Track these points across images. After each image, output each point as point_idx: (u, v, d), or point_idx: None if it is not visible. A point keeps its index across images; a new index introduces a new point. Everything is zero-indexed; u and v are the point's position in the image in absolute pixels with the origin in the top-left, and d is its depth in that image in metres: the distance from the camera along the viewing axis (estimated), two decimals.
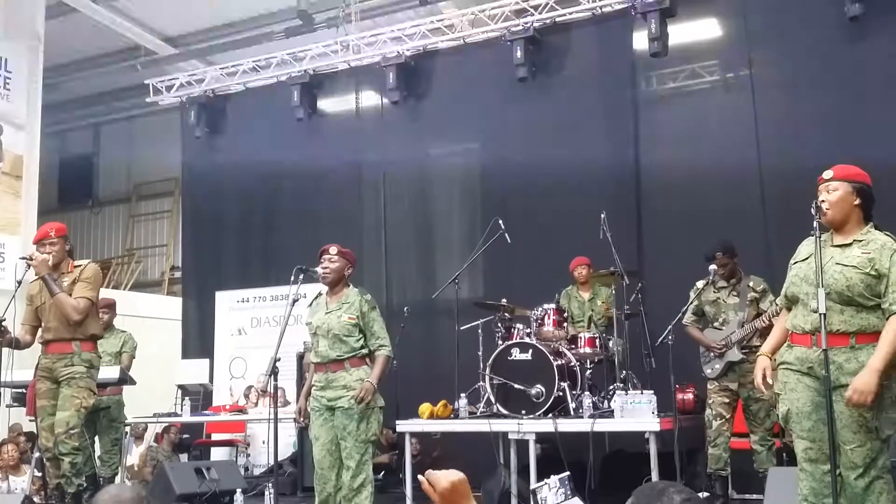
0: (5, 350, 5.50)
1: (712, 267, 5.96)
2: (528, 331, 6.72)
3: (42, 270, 5.42)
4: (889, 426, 3.45)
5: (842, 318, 3.49)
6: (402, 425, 6.68)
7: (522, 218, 8.07)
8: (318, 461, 5.03)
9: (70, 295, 5.46)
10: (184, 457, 9.35)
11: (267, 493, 5.82)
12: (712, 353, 6.00)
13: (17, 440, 8.64)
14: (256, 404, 8.84)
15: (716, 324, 6.07)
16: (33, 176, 11.16)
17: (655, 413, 5.77)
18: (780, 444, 5.98)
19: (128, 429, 7.73)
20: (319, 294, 5.24)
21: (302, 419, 5.22)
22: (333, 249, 5.18)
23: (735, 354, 5.92)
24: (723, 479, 5.92)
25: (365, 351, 5.09)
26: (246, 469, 8.95)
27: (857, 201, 3.63)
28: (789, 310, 3.78)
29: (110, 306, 7.50)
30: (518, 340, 6.61)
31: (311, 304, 5.27)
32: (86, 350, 5.52)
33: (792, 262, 3.77)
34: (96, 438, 7.19)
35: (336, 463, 5.00)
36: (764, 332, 5.82)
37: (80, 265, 5.64)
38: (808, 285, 3.55)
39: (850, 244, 3.60)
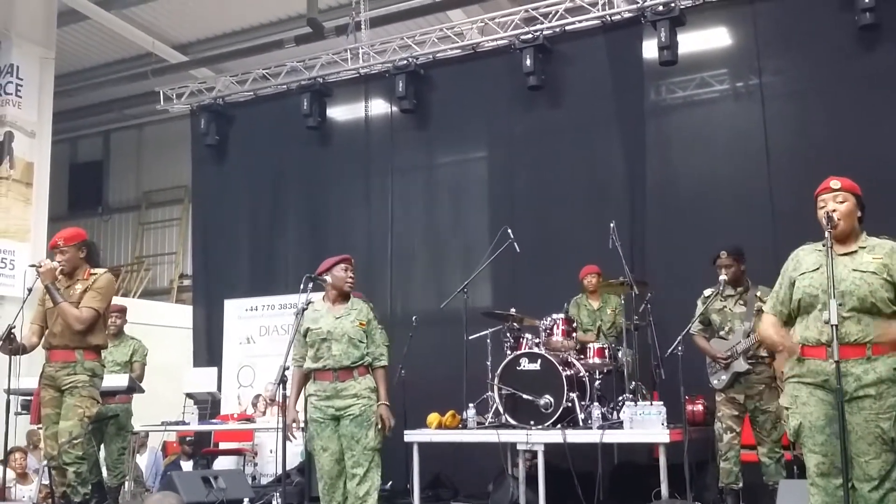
0: (15, 358, 5.51)
1: (722, 277, 5.92)
2: (537, 341, 6.70)
3: (47, 279, 5.40)
4: None
5: (859, 328, 3.46)
6: (410, 435, 6.65)
7: (531, 227, 8.05)
8: (327, 471, 5.00)
9: (79, 303, 5.45)
10: (187, 465, 9.36)
11: (274, 502, 5.81)
12: (718, 364, 5.96)
13: (29, 448, 8.66)
14: (264, 413, 8.82)
15: (721, 333, 6.02)
16: (44, 183, 11.22)
17: (665, 424, 5.73)
18: (790, 456, 5.92)
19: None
20: (311, 302, 5.18)
21: (294, 433, 5.08)
22: (353, 260, 5.22)
23: (741, 365, 5.86)
24: (735, 492, 5.87)
25: (369, 359, 5.09)
26: (253, 478, 8.91)
27: (859, 213, 3.67)
28: (785, 323, 3.74)
29: (121, 311, 7.50)
30: (527, 350, 6.58)
31: (301, 313, 5.09)
32: (89, 359, 5.50)
33: (795, 272, 3.69)
34: (102, 446, 7.18)
35: (344, 472, 4.99)
36: None
37: (96, 273, 5.61)
38: (826, 295, 3.49)
39: (856, 251, 3.59)
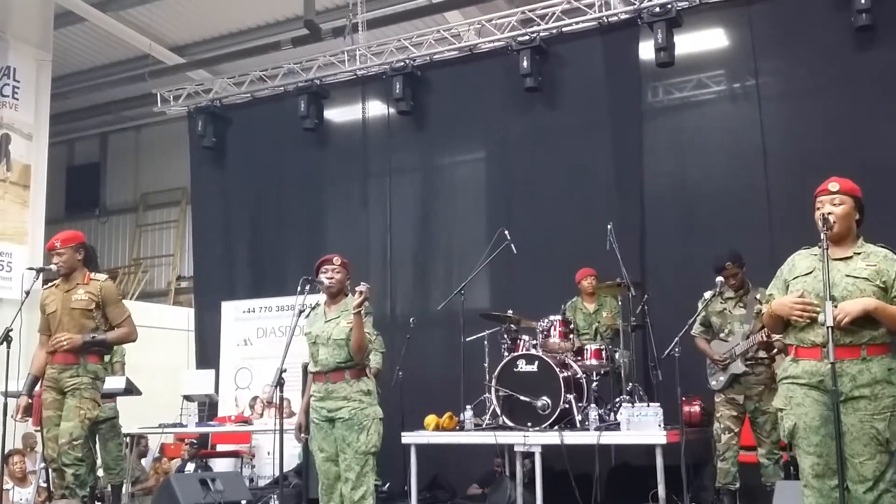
0: (13, 361, 5.50)
1: (719, 279, 5.92)
2: (535, 342, 6.70)
3: (76, 348, 5.42)
4: None
5: (852, 329, 3.45)
6: (408, 437, 6.66)
7: (528, 228, 8.05)
8: (324, 472, 4.98)
9: (86, 309, 5.46)
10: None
11: None
12: (717, 366, 5.97)
13: (26, 451, 8.65)
14: (262, 415, 8.82)
15: (721, 335, 6.04)
16: (41, 185, 11.22)
17: (662, 426, 5.74)
18: (787, 457, 5.93)
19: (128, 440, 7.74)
20: (317, 304, 5.19)
21: (302, 435, 5.17)
22: (337, 260, 5.14)
23: (738, 367, 5.88)
24: (731, 493, 5.88)
25: (365, 362, 5.07)
26: (251, 480, 8.90)
27: (857, 216, 3.65)
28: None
29: None
30: (524, 352, 6.59)
31: (307, 315, 5.15)
32: (91, 361, 5.50)
33: (789, 276, 3.70)
34: (97, 449, 7.18)
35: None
36: (767, 345, 5.79)
37: (96, 279, 5.60)
38: (819, 299, 3.50)
39: (850, 257, 3.59)
